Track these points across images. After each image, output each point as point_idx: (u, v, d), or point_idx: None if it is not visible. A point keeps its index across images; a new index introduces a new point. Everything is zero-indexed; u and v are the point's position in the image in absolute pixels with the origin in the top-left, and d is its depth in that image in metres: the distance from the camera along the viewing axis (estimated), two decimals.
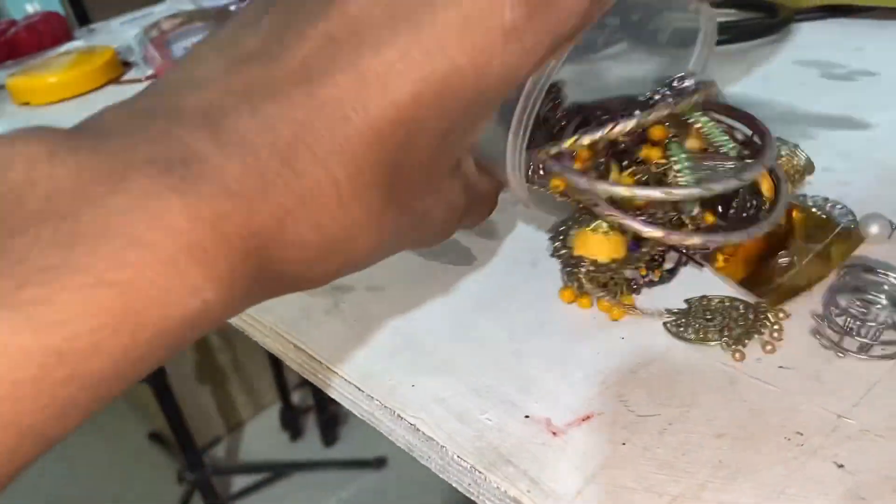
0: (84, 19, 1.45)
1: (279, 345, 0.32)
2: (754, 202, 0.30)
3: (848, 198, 0.33)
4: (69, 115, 0.68)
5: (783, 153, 0.33)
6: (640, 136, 0.34)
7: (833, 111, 0.41)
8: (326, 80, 0.18)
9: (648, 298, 0.30)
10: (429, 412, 0.27)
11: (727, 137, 0.32)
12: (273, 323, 0.32)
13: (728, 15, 0.58)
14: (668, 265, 0.32)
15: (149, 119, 0.18)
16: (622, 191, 0.29)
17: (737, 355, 0.26)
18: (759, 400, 0.24)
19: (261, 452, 1.65)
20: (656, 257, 0.31)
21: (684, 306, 0.29)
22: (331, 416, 1.62)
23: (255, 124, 0.18)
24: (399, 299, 0.33)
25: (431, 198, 0.22)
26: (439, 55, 0.19)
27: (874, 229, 0.31)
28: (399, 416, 0.27)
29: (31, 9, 0.96)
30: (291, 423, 1.66)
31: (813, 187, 0.35)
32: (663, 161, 0.32)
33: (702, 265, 0.31)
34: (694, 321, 0.28)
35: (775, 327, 0.27)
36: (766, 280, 0.29)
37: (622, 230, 0.30)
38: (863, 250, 0.30)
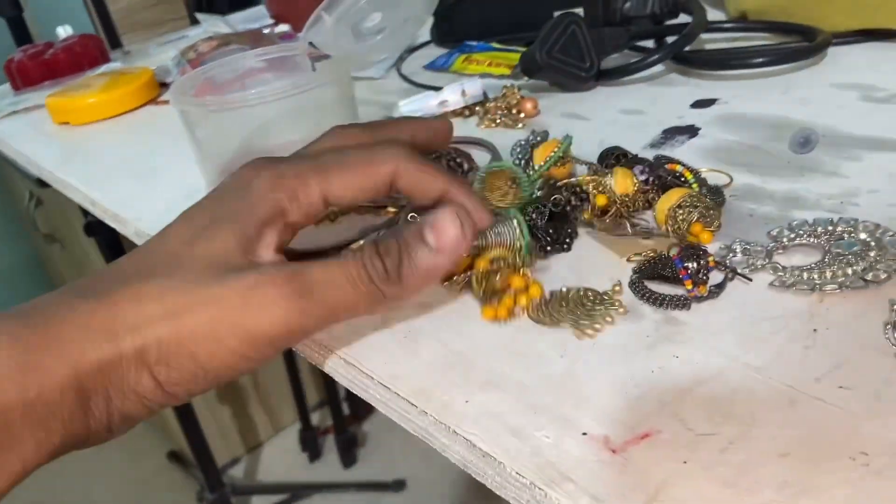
0: (115, 42, 1.48)
1: (329, 361, 0.32)
2: None
3: None
4: (108, 134, 0.69)
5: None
6: None
7: (876, 133, 0.42)
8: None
9: (699, 314, 0.30)
10: (484, 428, 0.27)
11: None
12: (322, 339, 0.33)
13: (765, 38, 0.58)
14: (714, 281, 0.32)
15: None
16: None
17: (577, 336, 0.30)
18: (821, 420, 0.24)
19: (280, 473, 1.64)
20: (702, 273, 0.32)
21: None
22: (350, 438, 1.62)
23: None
24: (448, 316, 0.33)
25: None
26: None
27: None
28: (454, 431, 0.27)
29: (62, 32, 0.98)
30: (310, 444, 1.65)
31: (862, 210, 0.35)
32: None
33: (749, 280, 0.31)
34: (551, 308, 0.32)
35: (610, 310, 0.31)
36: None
37: None
38: None
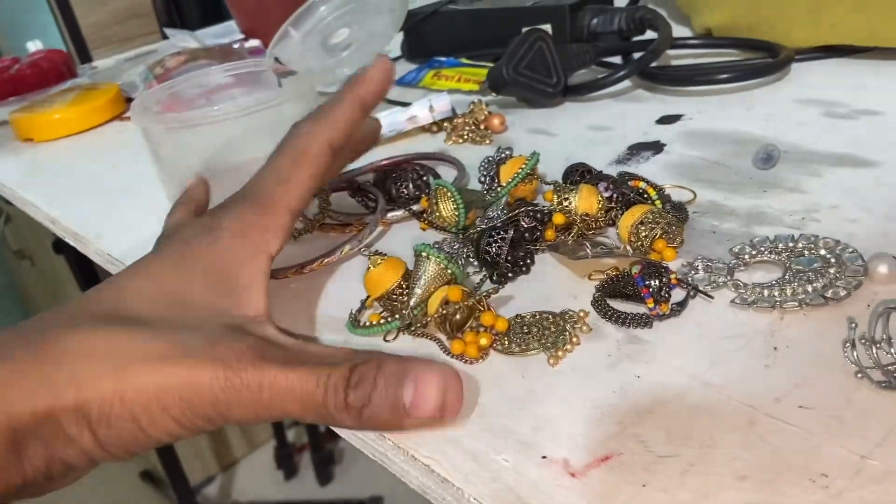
0: (86, 57, 1.47)
1: None
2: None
3: (857, 236, 0.33)
4: (72, 151, 0.68)
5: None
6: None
7: (837, 149, 0.42)
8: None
9: (661, 332, 0.30)
10: (443, 453, 0.26)
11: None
12: None
13: (730, 55, 0.59)
14: (676, 299, 0.32)
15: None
16: None
17: (551, 360, 0.29)
18: (781, 441, 0.24)
19: (255, 492, 1.62)
20: (663, 291, 0.31)
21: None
22: (326, 455, 1.60)
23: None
24: (406, 339, 0.32)
25: None
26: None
27: (882, 269, 0.30)
28: (413, 456, 0.26)
29: (32, 47, 0.97)
30: (286, 461, 1.63)
31: (823, 225, 0.35)
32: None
33: (711, 297, 0.31)
34: (515, 336, 0.31)
35: (575, 332, 0.31)
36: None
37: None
38: (870, 289, 0.30)
